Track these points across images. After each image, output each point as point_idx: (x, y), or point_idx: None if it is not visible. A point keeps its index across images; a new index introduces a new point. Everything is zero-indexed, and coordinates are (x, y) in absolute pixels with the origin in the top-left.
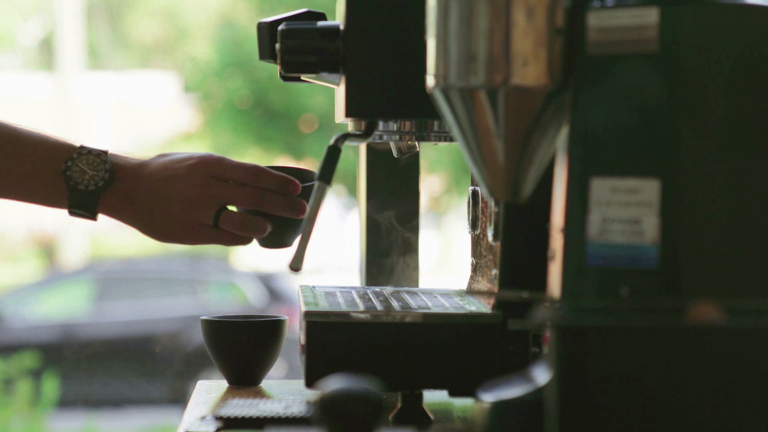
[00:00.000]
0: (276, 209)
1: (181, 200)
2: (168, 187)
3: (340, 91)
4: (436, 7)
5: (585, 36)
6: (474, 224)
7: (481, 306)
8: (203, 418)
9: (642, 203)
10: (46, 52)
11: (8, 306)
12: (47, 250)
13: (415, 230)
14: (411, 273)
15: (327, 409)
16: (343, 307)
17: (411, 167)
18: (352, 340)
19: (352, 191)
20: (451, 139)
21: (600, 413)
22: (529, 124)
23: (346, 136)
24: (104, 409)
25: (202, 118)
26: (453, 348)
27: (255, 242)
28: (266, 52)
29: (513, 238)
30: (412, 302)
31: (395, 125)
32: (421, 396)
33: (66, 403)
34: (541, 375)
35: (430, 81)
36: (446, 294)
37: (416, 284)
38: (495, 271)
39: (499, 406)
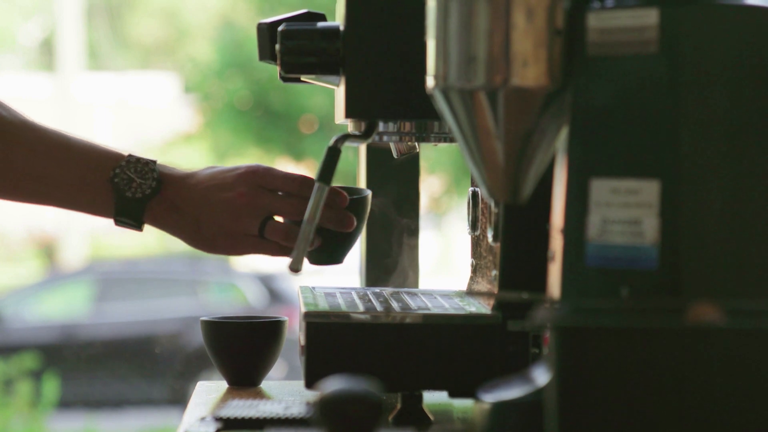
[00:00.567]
0: (322, 221)
1: (228, 209)
2: (214, 195)
3: (340, 92)
4: (436, 7)
5: (585, 37)
6: (474, 225)
7: (481, 307)
8: (203, 418)
9: (642, 204)
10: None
11: (8, 306)
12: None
13: (415, 231)
14: (411, 274)
15: (327, 410)
16: (343, 308)
17: (411, 168)
18: (352, 341)
19: None
20: (451, 140)
21: (600, 414)
22: (529, 125)
23: (345, 137)
24: (104, 410)
25: (203, 119)
26: (453, 349)
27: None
28: (266, 52)
29: (513, 239)
30: (411, 303)
31: (395, 126)
32: (420, 397)
33: (66, 403)
34: (541, 376)
35: (430, 82)
36: (446, 295)
37: (416, 285)
38: (495, 272)
39: (499, 407)
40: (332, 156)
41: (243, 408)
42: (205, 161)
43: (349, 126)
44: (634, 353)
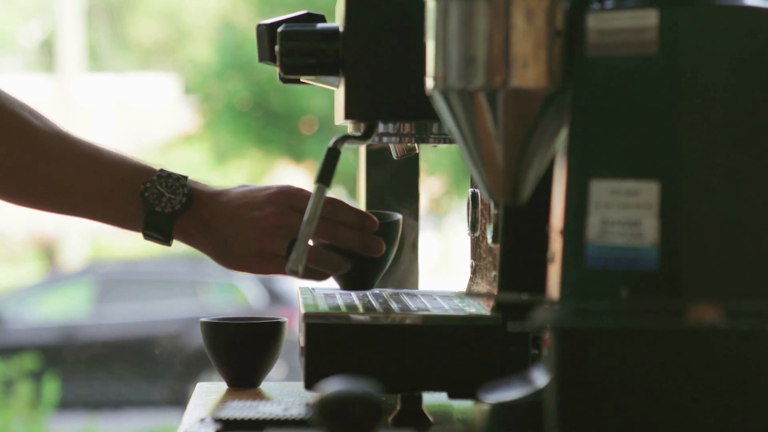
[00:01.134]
0: (350, 244)
1: (257, 228)
2: (244, 214)
3: (339, 93)
4: (435, 9)
5: (585, 38)
6: (473, 226)
7: (481, 308)
8: (203, 420)
9: (641, 205)
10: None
11: (9, 307)
12: (48, 252)
13: (414, 232)
14: (410, 275)
15: (326, 411)
16: (343, 309)
17: (411, 169)
18: (351, 342)
19: (352, 193)
20: (451, 141)
21: (599, 415)
22: (529, 126)
23: (345, 138)
24: (104, 411)
25: (203, 120)
26: (452, 350)
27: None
28: (265, 54)
29: (512, 240)
30: (411, 304)
31: (395, 127)
32: (420, 398)
33: (66, 404)
34: (541, 377)
35: (430, 83)
36: (446, 296)
37: (416, 286)
38: (494, 273)
39: (499, 408)
40: (332, 157)
41: (242, 409)
42: (205, 162)
43: (349, 127)
44: (634, 354)
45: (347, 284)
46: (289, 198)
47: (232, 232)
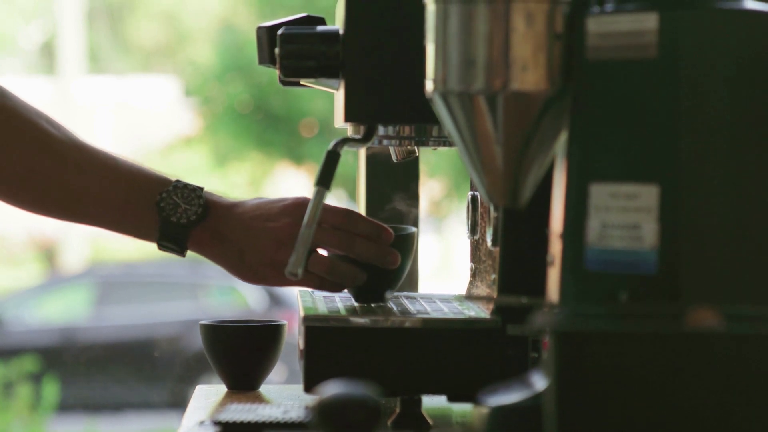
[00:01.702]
0: (365, 255)
1: (272, 239)
2: (260, 225)
3: (339, 96)
4: (435, 11)
5: (584, 41)
6: (473, 229)
7: (480, 311)
8: (202, 422)
9: (641, 209)
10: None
11: (8, 309)
12: (48, 254)
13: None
14: (410, 278)
15: (325, 414)
16: (342, 312)
17: (411, 172)
18: (350, 345)
19: (353, 195)
20: (451, 144)
21: (599, 419)
22: (529, 129)
23: (345, 141)
24: (104, 413)
25: (203, 122)
26: (452, 353)
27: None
28: (265, 56)
29: (512, 243)
30: (411, 307)
31: (394, 130)
32: (419, 401)
33: (66, 407)
34: (540, 380)
35: (429, 86)
36: (445, 299)
37: (415, 289)
38: (494, 276)
39: (498, 412)
40: (332, 160)
41: (242, 412)
42: (205, 164)
43: (349, 130)
44: (633, 358)
45: (361, 296)
46: (303, 209)
47: (247, 243)
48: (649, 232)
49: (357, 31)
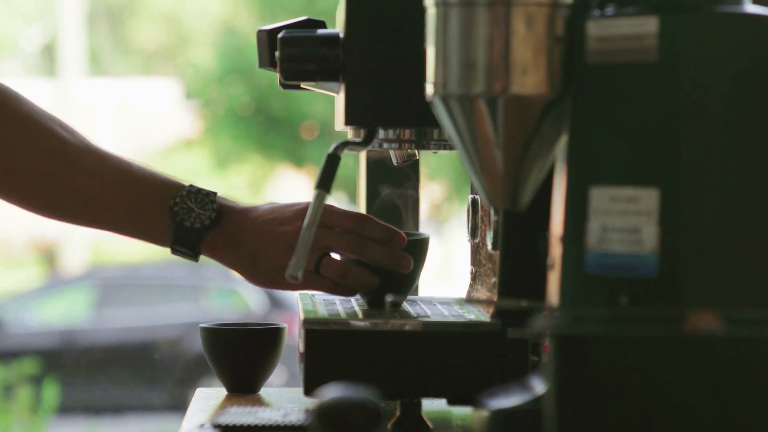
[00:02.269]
0: (378, 259)
1: (285, 244)
2: (272, 229)
3: (339, 99)
4: (435, 15)
5: (585, 45)
6: (473, 233)
7: (480, 314)
8: (202, 425)
9: (641, 212)
10: (48, 58)
11: (9, 312)
12: (48, 256)
13: None
14: None
15: (325, 417)
16: (343, 316)
17: (411, 175)
18: (351, 349)
19: (353, 198)
20: (451, 148)
21: (599, 422)
22: (529, 133)
23: (345, 144)
24: (104, 416)
25: (204, 125)
26: (452, 356)
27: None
28: (266, 59)
29: (512, 246)
30: (411, 310)
31: (395, 133)
32: (419, 404)
33: (66, 409)
34: (540, 384)
35: (430, 89)
36: (445, 302)
37: (415, 292)
38: (494, 280)
39: (498, 415)
40: (332, 163)
41: (242, 415)
42: (206, 167)
43: (349, 133)
44: (633, 361)
45: (373, 301)
46: None
47: (260, 247)
48: (649, 236)
49: (357, 34)
